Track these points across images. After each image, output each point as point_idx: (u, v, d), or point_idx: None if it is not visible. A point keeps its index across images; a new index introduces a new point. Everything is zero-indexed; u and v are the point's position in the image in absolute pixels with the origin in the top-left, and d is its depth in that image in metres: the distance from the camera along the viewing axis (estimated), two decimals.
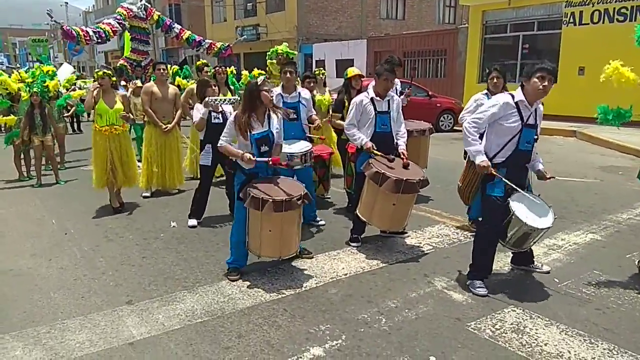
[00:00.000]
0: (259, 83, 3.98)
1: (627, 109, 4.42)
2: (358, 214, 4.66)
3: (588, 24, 14.17)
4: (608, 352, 3.00)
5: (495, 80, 5.10)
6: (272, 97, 4.05)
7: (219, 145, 4.09)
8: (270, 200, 3.73)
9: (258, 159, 3.92)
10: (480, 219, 5.27)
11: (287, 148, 4.78)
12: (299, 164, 4.70)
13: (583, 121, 12.65)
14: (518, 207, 3.65)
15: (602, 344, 3.09)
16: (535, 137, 3.73)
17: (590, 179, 7.63)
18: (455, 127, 14.20)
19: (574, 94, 12.76)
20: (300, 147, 4.90)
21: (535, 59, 16.31)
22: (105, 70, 6.04)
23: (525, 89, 3.61)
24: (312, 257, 4.48)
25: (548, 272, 4.10)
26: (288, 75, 5.22)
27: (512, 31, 16.55)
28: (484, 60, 17.27)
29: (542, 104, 3.77)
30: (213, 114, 5.30)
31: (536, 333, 3.22)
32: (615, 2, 13.53)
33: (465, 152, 5.32)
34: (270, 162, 3.91)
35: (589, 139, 11.53)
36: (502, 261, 4.40)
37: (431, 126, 6.40)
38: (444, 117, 14.25)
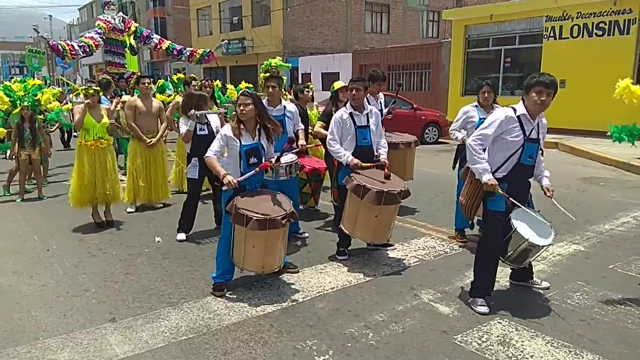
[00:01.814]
0: (237, 99, 4.09)
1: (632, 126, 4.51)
2: (341, 226, 4.66)
3: (568, 38, 14.49)
4: None
5: (486, 94, 5.07)
6: (244, 112, 3.97)
7: (205, 156, 4.12)
8: (254, 218, 3.72)
9: (240, 178, 3.93)
10: (465, 229, 5.36)
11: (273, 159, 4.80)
12: (284, 175, 4.72)
13: (565, 133, 12.87)
14: (519, 224, 3.61)
15: (587, 355, 3.11)
16: (540, 150, 3.70)
17: (573, 190, 7.74)
18: (440, 140, 14.36)
19: (556, 106, 12.74)
20: (285, 158, 4.91)
21: (517, 73, 16.67)
22: (94, 87, 6.01)
23: (524, 102, 3.57)
24: (298, 272, 4.46)
25: (547, 288, 4.04)
26: (270, 89, 5.27)
27: (494, 45, 16.86)
28: (467, 74, 17.55)
29: (545, 118, 3.72)
30: (198, 125, 5.31)
31: (522, 345, 3.23)
32: (594, 17, 13.88)
33: (455, 162, 5.42)
34: (258, 169, 3.98)
35: (571, 150, 11.72)
36: None
37: (416, 138, 6.45)
38: (428, 130, 14.39)
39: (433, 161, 10.56)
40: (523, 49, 16.18)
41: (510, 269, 4.12)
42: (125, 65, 11.38)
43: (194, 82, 7.48)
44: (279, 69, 9.41)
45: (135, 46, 11.55)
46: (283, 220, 3.83)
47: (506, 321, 3.54)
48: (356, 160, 4.54)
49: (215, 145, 4.08)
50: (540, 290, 4.03)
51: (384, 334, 3.40)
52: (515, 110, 3.58)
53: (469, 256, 4.87)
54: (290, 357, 3.14)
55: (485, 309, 3.68)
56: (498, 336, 3.35)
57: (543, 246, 3.64)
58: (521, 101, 3.62)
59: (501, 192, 3.59)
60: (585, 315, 3.64)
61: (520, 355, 3.12)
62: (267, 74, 9.27)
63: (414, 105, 14.61)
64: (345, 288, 4.17)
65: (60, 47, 9.77)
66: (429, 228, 5.80)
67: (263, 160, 4.13)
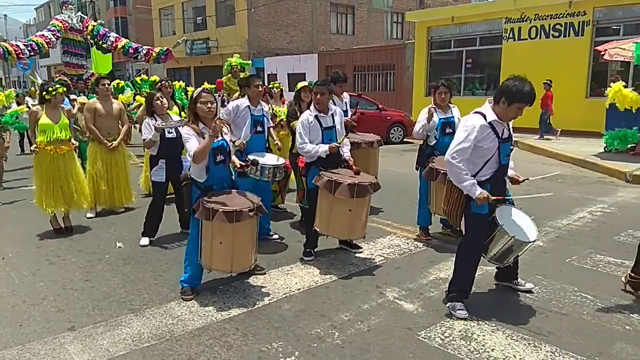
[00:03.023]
0: (194, 96, 3.99)
1: (633, 132, 4.67)
2: (316, 228, 4.61)
3: (526, 39, 14.97)
4: (551, 355, 3.11)
5: (443, 94, 5.20)
6: (211, 109, 3.92)
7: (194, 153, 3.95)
8: (220, 210, 3.67)
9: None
10: (423, 226, 5.41)
11: (260, 160, 4.79)
12: (268, 177, 4.71)
13: (523, 131, 13.25)
14: (504, 221, 3.54)
15: (545, 346, 3.21)
16: (511, 147, 3.64)
17: (532, 187, 7.97)
18: (405, 139, 14.56)
19: None
20: (272, 160, 4.91)
21: (479, 73, 17.06)
22: (60, 86, 5.81)
23: (498, 107, 3.45)
24: (265, 274, 4.43)
25: (530, 290, 4.01)
26: (260, 89, 5.28)
27: (456, 46, 17.23)
28: (431, 75, 17.88)
29: None
30: (166, 129, 5.20)
31: (483, 339, 3.30)
32: (551, 19, 14.38)
33: (418, 163, 5.49)
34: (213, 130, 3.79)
35: (530, 148, 12.08)
36: (450, 269, 4.49)
37: (379, 138, 6.50)
38: (394, 130, 14.57)
39: (398, 161, 10.70)
40: (484, 50, 16.61)
41: (496, 268, 4.06)
42: (85, 66, 11.07)
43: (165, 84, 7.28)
44: (240, 66, 9.38)
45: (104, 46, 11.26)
46: (250, 212, 3.76)
47: (468, 316, 3.61)
48: (333, 144, 4.54)
49: (195, 143, 3.90)
50: (501, 285, 4.12)
51: (349, 333, 3.42)
52: (485, 116, 3.47)
53: (432, 253, 4.97)
54: (256, 359, 3.11)
55: (465, 314, 3.61)
56: (460, 331, 3.42)
57: (529, 242, 3.59)
58: (487, 104, 3.53)
59: (493, 198, 3.47)
60: (543, 308, 3.75)
61: (481, 349, 3.19)
62: (230, 74, 9.26)
63: (380, 106, 14.77)
64: (311, 289, 4.17)
65: (1, 49, 9.38)
66: (394, 227, 5.87)
67: (230, 157, 4.09)
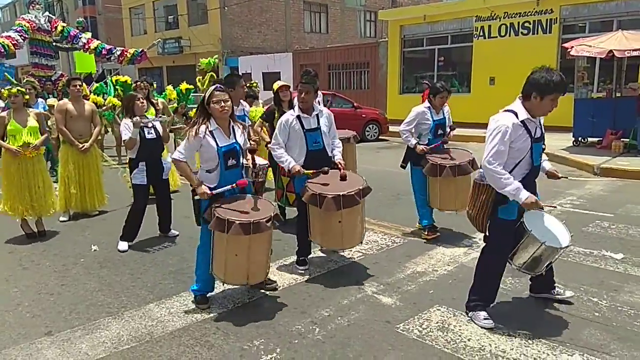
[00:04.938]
0: (207, 95, 3.68)
1: None
2: (311, 239, 4.43)
3: (496, 37, 15.26)
4: (525, 342, 3.22)
5: (444, 98, 5.18)
6: (225, 109, 3.66)
7: (173, 157, 3.75)
8: (237, 222, 3.44)
9: (216, 191, 3.64)
10: (427, 225, 5.23)
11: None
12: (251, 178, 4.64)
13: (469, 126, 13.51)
14: (534, 226, 3.30)
15: (519, 335, 3.31)
16: (543, 146, 3.42)
17: None
18: (380, 137, 14.69)
19: (486, 102, 13.57)
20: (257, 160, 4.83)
21: (450, 71, 17.31)
22: (19, 88, 5.70)
23: (529, 103, 3.24)
24: (276, 289, 4.11)
25: (571, 297, 3.76)
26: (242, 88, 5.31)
27: (428, 45, 17.46)
28: (404, 73, 18.07)
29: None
30: (146, 129, 5.15)
31: (460, 330, 3.39)
32: (519, 17, 14.70)
33: (405, 160, 5.50)
34: (236, 185, 3.66)
35: None
36: (426, 263, 4.61)
37: (355, 133, 6.53)
38: (369, 127, 14.68)
39: (374, 158, 10.81)
40: (455, 48, 16.86)
41: (530, 280, 3.81)
42: (54, 67, 10.84)
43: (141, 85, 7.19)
44: (206, 66, 9.37)
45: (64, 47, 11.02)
46: (268, 223, 3.54)
47: (445, 307, 3.71)
48: (298, 167, 4.28)
49: (184, 147, 3.70)
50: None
51: (330, 329, 3.46)
52: (516, 114, 3.24)
53: (409, 248, 5.06)
54: (237, 358, 3.13)
55: (490, 323, 3.39)
56: (437, 322, 3.50)
57: (561, 248, 3.33)
58: (519, 101, 3.31)
59: (542, 205, 3.27)
60: (516, 298, 3.87)
61: (458, 339, 3.27)
62: (212, 73, 9.22)
63: (355, 104, 14.85)
64: (291, 286, 4.20)
65: None
66: (372, 223, 5.93)
67: (241, 161, 3.81)
